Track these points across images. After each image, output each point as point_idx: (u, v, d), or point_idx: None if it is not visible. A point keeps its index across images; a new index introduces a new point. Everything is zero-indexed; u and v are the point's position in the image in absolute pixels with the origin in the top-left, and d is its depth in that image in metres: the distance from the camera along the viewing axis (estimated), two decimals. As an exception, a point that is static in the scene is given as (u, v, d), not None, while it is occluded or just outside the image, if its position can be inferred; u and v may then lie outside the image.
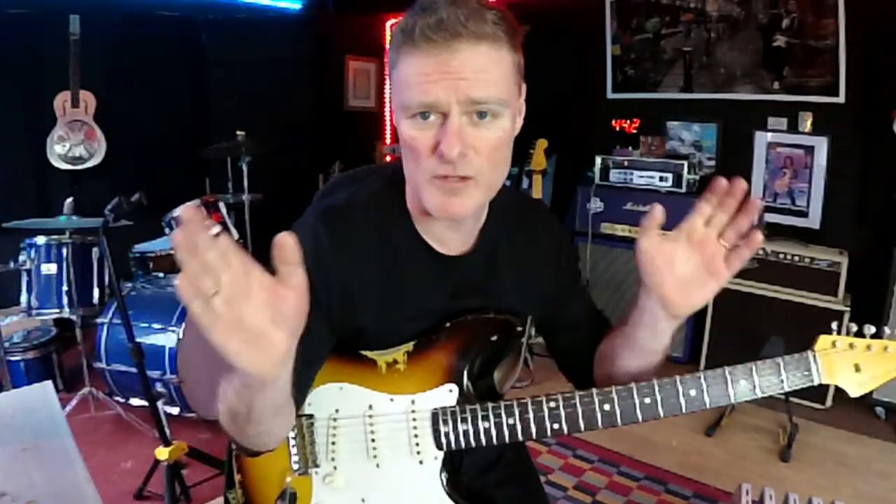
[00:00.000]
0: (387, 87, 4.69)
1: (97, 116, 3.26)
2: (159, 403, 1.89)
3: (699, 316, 3.13)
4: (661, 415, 0.85)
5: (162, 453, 1.82)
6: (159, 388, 2.35)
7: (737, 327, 2.95)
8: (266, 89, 3.96)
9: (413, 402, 0.91)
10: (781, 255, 2.89)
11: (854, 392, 0.83)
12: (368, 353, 0.92)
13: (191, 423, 2.44)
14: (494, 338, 0.94)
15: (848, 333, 0.83)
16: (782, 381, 0.83)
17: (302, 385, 0.84)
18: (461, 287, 0.93)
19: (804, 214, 3.15)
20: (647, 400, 0.84)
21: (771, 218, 3.14)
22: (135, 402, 2.46)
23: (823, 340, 0.84)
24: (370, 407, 0.91)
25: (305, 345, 0.87)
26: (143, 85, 3.57)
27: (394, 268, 0.90)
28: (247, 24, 4.02)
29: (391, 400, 0.91)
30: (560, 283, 1.03)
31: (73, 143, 3.21)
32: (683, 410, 0.84)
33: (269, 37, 4.01)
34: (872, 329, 0.82)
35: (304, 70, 4.24)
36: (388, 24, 4.63)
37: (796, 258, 2.85)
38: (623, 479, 2.28)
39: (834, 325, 0.84)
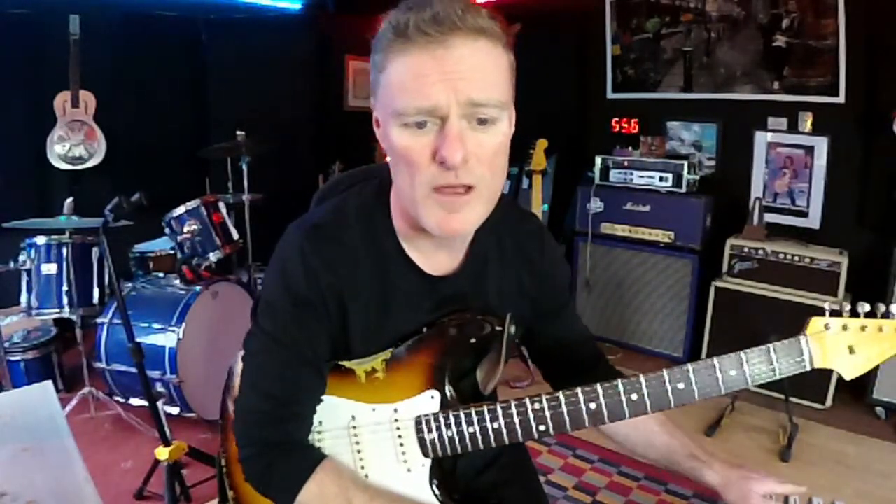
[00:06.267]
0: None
1: (97, 116, 3.26)
2: (159, 403, 1.88)
3: (699, 316, 3.13)
4: (649, 410, 0.83)
5: (162, 453, 1.82)
6: (159, 388, 2.35)
7: (736, 327, 2.95)
8: (266, 89, 3.95)
9: (395, 410, 0.89)
10: (781, 255, 2.89)
11: (849, 375, 0.81)
12: (346, 364, 0.90)
13: (191, 423, 2.44)
14: (473, 340, 0.91)
15: (842, 314, 0.80)
16: (774, 369, 0.80)
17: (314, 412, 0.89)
18: (446, 301, 0.92)
19: (804, 214, 3.15)
20: (634, 396, 0.82)
21: (771, 218, 3.14)
22: (135, 402, 2.46)
23: (815, 323, 0.80)
24: (353, 418, 0.90)
25: (321, 373, 0.87)
26: (143, 85, 3.57)
27: (380, 285, 0.87)
28: (247, 24, 4.02)
29: (373, 409, 0.89)
30: (547, 304, 1.02)
31: (73, 143, 3.20)
32: (672, 405, 0.83)
33: (269, 37, 4.00)
34: (867, 307, 0.79)
35: (304, 70, 4.24)
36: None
37: (796, 258, 2.85)
38: (623, 479, 2.28)
39: (826, 307, 0.80)
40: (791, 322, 0.82)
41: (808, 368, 0.81)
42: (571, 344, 1.06)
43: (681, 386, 0.82)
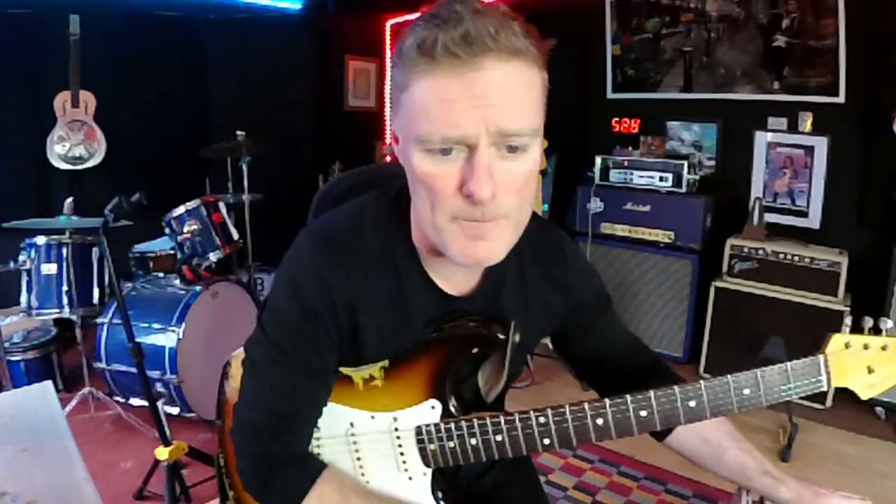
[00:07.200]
0: (387, 86, 4.70)
1: (97, 116, 3.26)
2: (159, 403, 1.88)
3: (699, 316, 3.13)
4: (658, 427, 0.80)
5: (162, 453, 1.82)
6: (159, 388, 2.35)
7: (737, 327, 2.95)
8: (266, 89, 3.96)
9: (395, 419, 0.86)
10: (781, 255, 2.89)
11: (865, 395, 0.78)
12: (343, 370, 0.87)
13: (191, 423, 2.45)
14: (475, 350, 0.87)
15: (859, 329, 0.77)
16: (790, 390, 0.77)
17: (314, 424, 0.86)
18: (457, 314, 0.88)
19: (804, 214, 3.15)
20: (644, 413, 0.79)
21: (771, 218, 3.14)
22: (135, 402, 2.46)
23: (836, 341, 0.77)
24: (351, 425, 0.88)
25: (328, 386, 0.85)
26: (143, 85, 3.57)
27: (395, 301, 0.84)
28: (247, 24, 4.03)
29: (372, 417, 0.87)
30: (576, 319, 0.97)
31: (73, 143, 3.21)
32: (682, 422, 0.80)
33: (269, 37, 4.01)
34: (889, 323, 0.76)
35: (304, 70, 4.24)
36: (388, 23, 4.63)
37: (796, 258, 2.85)
38: (623, 479, 2.28)
39: (848, 321, 0.78)
40: (791, 322, 0.81)
41: (825, 389, 0.78)
42: (615, 355, 1.00)
43: (692, 404, 0.79)
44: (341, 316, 0.81)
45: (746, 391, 0.78)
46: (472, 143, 0.66)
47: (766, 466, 0.91)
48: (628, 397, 0.79)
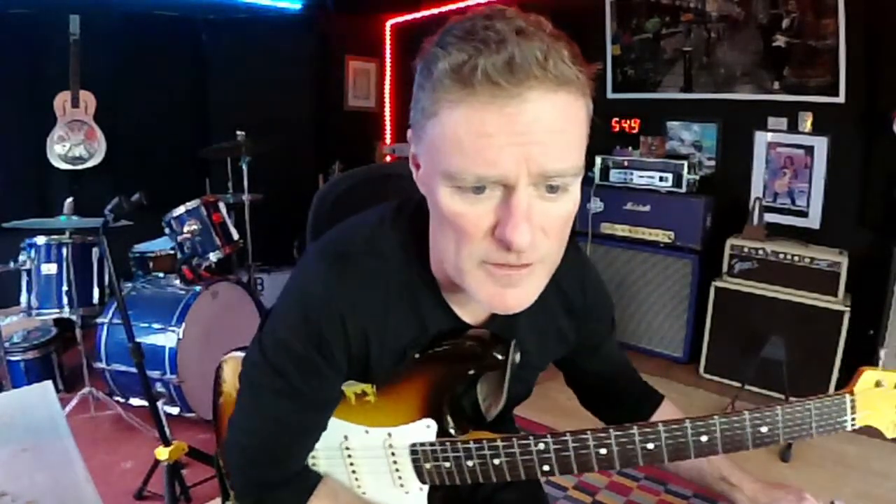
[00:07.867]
0: (386, 86, 4.71)
1: (97, 116, 3.26)
2: (159, 403, 1.89)
3: (699, 315, 3.13)
4: (666, 461, 0.75)
5: (162, 453, 1.82)
6: (159, 388, 2.35)
7: (737, 327, 2.95)
8: (266, 89, 3.96)
9: (390, 434, 0.83)
10: (781, 255, 2.89)
11: (891, 434, 0.74)
12: None
13: (191, 423, 2.45)
14: (472, 371, 0.82)
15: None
16: (811, 429, 0.74)
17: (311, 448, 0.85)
18: None
19: (804, 214, 3.15)
20: (651, 446, 0.74)
21: (771, 218, 3.14)
22: (135, 402, 2.46)
23: (867, 378, 0.73)
24: (345, 438, 0.85)
25: (329, 415, 0.84)
26: (142, 85, 3.57)
27: (413, 331, 0.80)
28: (247, 24, 4.03)
29: (366, 432, 0.84)
30: (584, 342, 0.96)
31: (73, 143, 3.21)
32: (692, 456, 0.75)
33: (269, 37, 4.01)
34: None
35: (304, 70, 4.24)
36: (388, 23, 4.63)
37: (796, 258, 2.85)
38: (623, 479, 2.28)
39: (882, 354, 0.75)
40: (791, 322, 0.79)
41: (849, 429, 0.74)
42: (609, 377, 1.02)
43: (704, 439, 0.74)
44: (353, 346, 0.76)
45: (764, 429, 0.74)
46: (509, 184, 0.59)
47: (724, 472, 0.88)
48: (635, 428, 0.75)
